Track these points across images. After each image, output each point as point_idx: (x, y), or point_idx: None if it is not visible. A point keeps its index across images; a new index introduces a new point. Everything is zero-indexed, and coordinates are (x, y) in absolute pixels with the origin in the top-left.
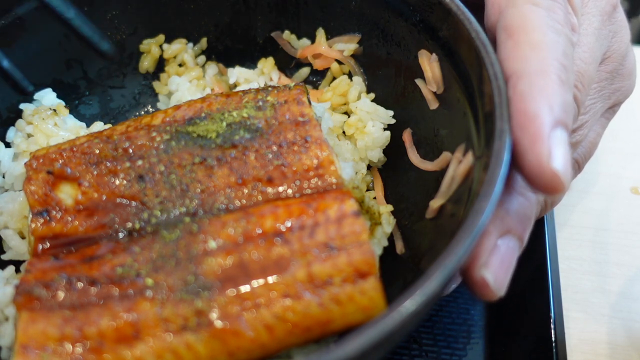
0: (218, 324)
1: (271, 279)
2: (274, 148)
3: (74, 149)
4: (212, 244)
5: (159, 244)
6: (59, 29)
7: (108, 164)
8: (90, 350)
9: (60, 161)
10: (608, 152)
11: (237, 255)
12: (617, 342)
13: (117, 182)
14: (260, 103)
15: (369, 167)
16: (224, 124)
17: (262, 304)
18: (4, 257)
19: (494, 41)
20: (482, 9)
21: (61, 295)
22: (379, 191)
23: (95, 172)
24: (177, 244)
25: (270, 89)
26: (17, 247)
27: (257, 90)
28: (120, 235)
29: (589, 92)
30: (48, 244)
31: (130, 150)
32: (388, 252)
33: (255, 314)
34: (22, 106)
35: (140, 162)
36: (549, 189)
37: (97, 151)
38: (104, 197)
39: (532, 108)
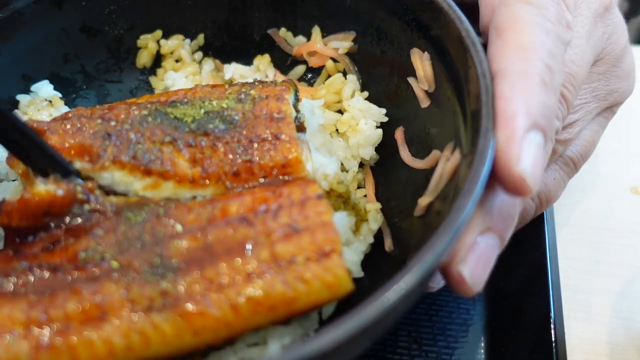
0: (183, 303)
1: (235, 260)
2: (244, 142)
3: (57, 118)
4: (178, 227)
5: (124, 226)
6: (57, 23)
7: (82, 119)
8: (57, 332)
9: (37, 122)
10: (608, 152)
11: (202, 237)
12: (617, 342)
13: (84, 132)
14: (242, 96)
15: (361, 165)
16: (202, 111)
17: (227, 284)
18: None
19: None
20: (475, 8)
21: (24, 282)
22: (369, 189)
23: (64, 124)
24: (142, 227)
25: (257, 83)
26: None
27: (244, 84)
28: (79, 218)
29: (579, 92)
30: (8, 234)
31: (107, 115)
32: (377, 249)
33: (219, 293)
34: (18, 97)
35: (113, 124)
36: (516, 190)
37: (75, 114)
38: (67, 144)
39: (510, 109)
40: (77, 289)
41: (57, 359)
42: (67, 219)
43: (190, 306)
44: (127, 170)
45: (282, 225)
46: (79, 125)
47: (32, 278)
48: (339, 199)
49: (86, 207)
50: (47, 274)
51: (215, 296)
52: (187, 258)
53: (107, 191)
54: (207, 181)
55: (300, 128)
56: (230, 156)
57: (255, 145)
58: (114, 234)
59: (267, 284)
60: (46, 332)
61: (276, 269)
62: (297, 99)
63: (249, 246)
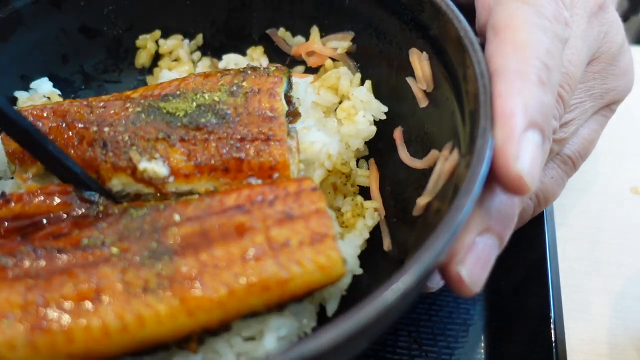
0: (177, 284)
1: (230, 244)
2: (236, 139)
3: (53, 107)
4: (176, 217)
5: (126, 219)
6: (56, 23)
7: (79, 125)
8: (52, 315)
9: (37, 118)
10: (608, 152)
11: (199, 224)
12: (617, 342)
13: (82, 143)
14: (234, 88)
15: (367, 158)
16: (194, 104)
17: (221, 266)
18: None
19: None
20: (472, 9)
21: (26, 264)
22: (373, 183)
23: (64, 131)
24: (143, 219)
25: (249, 72)
26: None
27: (237, 72)
28: (82, 211)
29: (575, 92)
30: (10, 225)
31: (102, 117)
32: (375, 249)
33: (214, 274)
34: (17, 94)
35: (107, 129)
36: (514, 189)
37: (73, 111)
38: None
39: (508, 108)
40: (74, 272)
41: (52, 341)
42: (75, 213)
43: (184, 286)
44: (129, 173)
45: (277, 212)
46: (77, 133)
47: (34, 260)
48: (342, 177)
49: (95, 208)
50: (49, 257)
51: (210, 277)
52: (184, 243)
53: (122, 196)
54: (199, 174)
55: (295, 114)
56: (222, 152)
57: (247, 143)
58: (116, 225)
59: (261, 266)
60: (42, 314)
61: (270, 252)
62: (290, 86)
63: (244, 231)
